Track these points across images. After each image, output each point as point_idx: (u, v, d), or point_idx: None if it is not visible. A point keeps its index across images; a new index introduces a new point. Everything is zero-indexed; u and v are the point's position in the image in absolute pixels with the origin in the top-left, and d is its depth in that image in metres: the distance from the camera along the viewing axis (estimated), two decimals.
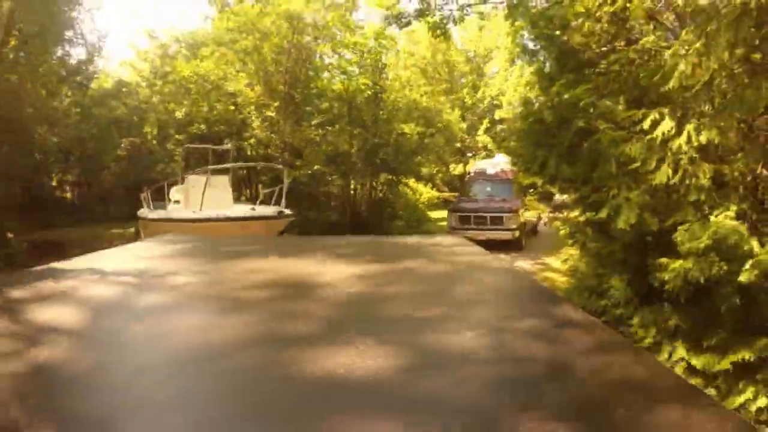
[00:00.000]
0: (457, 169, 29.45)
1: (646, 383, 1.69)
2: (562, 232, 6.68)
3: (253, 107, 16.54)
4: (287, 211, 10.68)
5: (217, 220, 9.76)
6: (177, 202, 11.72)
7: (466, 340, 2.11)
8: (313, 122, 16.46)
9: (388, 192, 17.29)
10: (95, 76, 18.85)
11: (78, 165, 20.09)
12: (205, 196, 10.26)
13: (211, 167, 11.72)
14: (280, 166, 12.48)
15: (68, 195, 21.74)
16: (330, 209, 16.69)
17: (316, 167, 15.60)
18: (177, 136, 16.73)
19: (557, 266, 10.80)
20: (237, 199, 13.36)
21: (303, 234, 12.63)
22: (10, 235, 12.56)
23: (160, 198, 11.89)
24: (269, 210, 10.72)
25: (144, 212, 11.48)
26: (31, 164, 16.58)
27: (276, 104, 16.31)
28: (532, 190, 8.68)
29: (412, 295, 2.96)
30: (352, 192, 17.24)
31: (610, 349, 2.02)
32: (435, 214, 21.73)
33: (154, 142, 19.85)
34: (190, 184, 11.27)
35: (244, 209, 10.83)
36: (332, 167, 16.20)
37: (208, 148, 13.86)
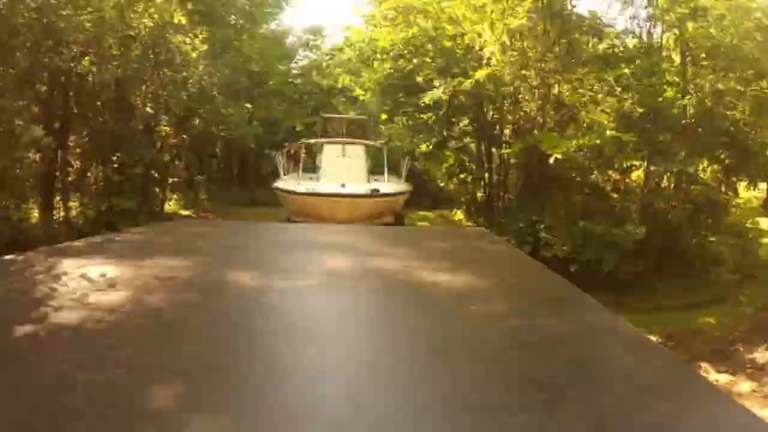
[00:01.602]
0: None
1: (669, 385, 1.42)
2: None
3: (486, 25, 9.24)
4: (386, 190, 9.92)
5: (327, 195, 9.33)
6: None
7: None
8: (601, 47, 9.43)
9: (709, 192, 9.03)
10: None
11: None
12: (336, 167, 10.33)
13: (318, 141, 12.19)
14: (371, 143, 11.89)
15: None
16: (612, 215, 8.78)
17: (589, 142, 8.51)
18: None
19: None
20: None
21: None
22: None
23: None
24: (365, 187, 9.92)
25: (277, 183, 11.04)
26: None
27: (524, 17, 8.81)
28: None
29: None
30: (654, 184, 9.27)
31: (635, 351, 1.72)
32: None
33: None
34: (324, 153, 11.36)
35: (364, 186, 10.17)
36: (629, 137, 8.09)
37: (344, 118, 13.69)
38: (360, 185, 9.69)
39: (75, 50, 8.07)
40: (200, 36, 10.25)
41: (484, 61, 9.44)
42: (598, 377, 1.48)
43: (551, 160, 8.37)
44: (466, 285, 2.57)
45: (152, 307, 1.95)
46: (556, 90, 9.56)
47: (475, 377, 1.42)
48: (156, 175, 10.37)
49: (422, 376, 1.42)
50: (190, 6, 10.79)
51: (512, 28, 8.94)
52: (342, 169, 10.24)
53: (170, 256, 2.94)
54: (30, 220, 7.93)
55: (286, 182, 10.40)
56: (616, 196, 9.57)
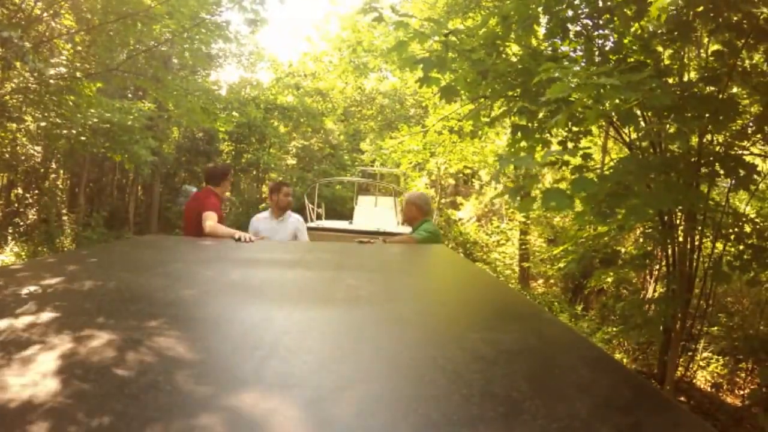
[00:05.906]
0: None
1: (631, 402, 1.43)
2: None
3: None
4: (392, 230, 10.89)
5: (343, 231, 10.92)
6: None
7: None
8: None
9: None
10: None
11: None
12: (367, 215, 11.90)
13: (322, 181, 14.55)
14: (390, 186, 13.40)
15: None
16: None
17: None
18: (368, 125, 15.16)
19: None
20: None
21: None
22: None
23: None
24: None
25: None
26: None
27: None
28: None
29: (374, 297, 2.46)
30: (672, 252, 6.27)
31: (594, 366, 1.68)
32: None
33: (341, 137, 18.70)
34: (358, 204, 13.71)
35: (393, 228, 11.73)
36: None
37: (380, 172, 16.79)
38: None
39: None
40: None
41: None
42: (556, 390, 1.48)
43: None
44: (426, 299, 2.55)
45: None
46: None
47: (436, 391, 1.39)
48: None
49: (383, 391, 1.38)
50: None
51: None
52: (373, 218, 11.64)
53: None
54: None
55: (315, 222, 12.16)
56: None
